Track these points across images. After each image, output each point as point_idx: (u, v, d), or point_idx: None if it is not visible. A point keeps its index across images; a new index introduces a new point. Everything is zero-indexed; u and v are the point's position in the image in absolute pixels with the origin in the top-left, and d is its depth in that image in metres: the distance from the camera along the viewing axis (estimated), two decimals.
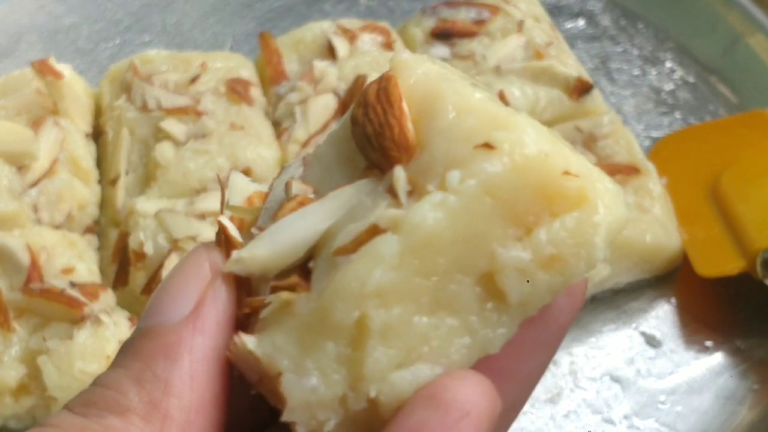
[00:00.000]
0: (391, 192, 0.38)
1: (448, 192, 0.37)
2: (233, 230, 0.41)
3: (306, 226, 0.39)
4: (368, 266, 0.36)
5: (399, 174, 0.38)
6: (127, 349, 0.39)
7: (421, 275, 0.37)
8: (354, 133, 0.40)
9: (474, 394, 0.36)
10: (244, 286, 0.40)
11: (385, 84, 0.39)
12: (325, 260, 0.38)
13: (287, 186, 0.41)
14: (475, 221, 0.37)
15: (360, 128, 0.39)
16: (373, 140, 0.39)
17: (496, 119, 0.37)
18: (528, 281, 0.37)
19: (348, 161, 0.40)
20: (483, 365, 0.38)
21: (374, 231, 0.37)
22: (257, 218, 0.41)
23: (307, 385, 0.37)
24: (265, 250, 0.39)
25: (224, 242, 0.41)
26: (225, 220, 0.41)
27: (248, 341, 0.38)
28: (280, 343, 0.38)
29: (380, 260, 0.36)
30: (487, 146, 0.36)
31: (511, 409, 0.43)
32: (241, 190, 0.42)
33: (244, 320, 0.40)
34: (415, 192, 0.38)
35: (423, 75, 0.40)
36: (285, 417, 0.37)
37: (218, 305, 0.39)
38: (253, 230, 0.41)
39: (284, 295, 0.38)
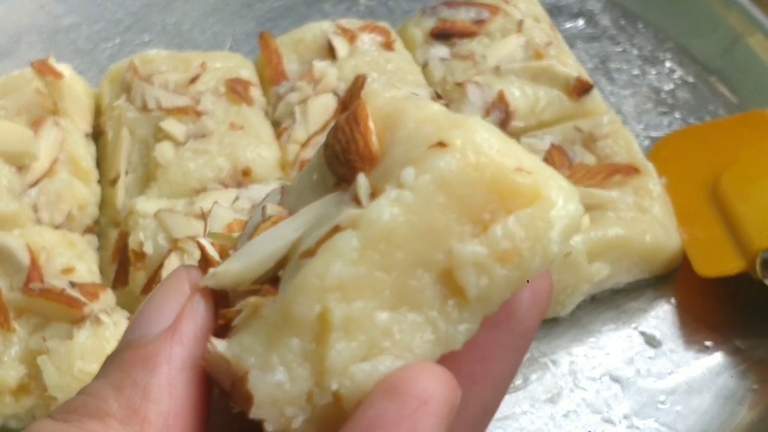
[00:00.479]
0: (356, 200, 0.39)
1: (403, 189, 0.38)
2: (210, 250, 0.43)
3: (275, 240, 0.40)
4: (327, 261, 0.37)
5: (361, 180, 0.39)
6: (110, 361, 0.41)
7: (381, 270, 0.38)
8: (325, 154, 0.41)
9: (432, 384, 0.37)
10: (222, 301, 0.42)
11: (354, 108, 0.41)
12: (292, 266, 0.39)
13: (263, 210, 0.43)
14: (430, 217, 0.38)
15: (329, 149, 0.41)
16: (340, 156, 0.40)
17: (450, 121, 0.39)
18: (485, 276, 0.38)
19: (320, 183, 0.42)
20: (452, 368, 0.39)
21: (335, 231, 0.38)
22: (236, 244, 0.43)
23: (272, 380, 0.38)
24: (237, 265, 0.41)
25: (203, 262, 0.43)
26: (203, 241, 0.43)
27: (218, 345, 0.40)
28: (247, 343, 0.39)
29: (339, 254, 0.37)
30: (441, 144, 0.38)
31: (483, 412, 0.44)
32: (221, 218, 0.45)
33: (220, 332, 0.41)
34: (376, 194, 0.39)
35: (389, 97, 0.42)
36: (252, 414, 0.38)
37: (196, 318, 0.41)
38: (231, 252, 0.43)
39: (253, 299, 0.39)
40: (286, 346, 0.38)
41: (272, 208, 0.43)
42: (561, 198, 0.39)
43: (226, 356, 0.39)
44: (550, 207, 0.39)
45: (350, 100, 0.96)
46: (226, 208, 0.45)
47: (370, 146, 0.40)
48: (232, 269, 0.41)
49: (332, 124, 0.95)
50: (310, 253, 0.38)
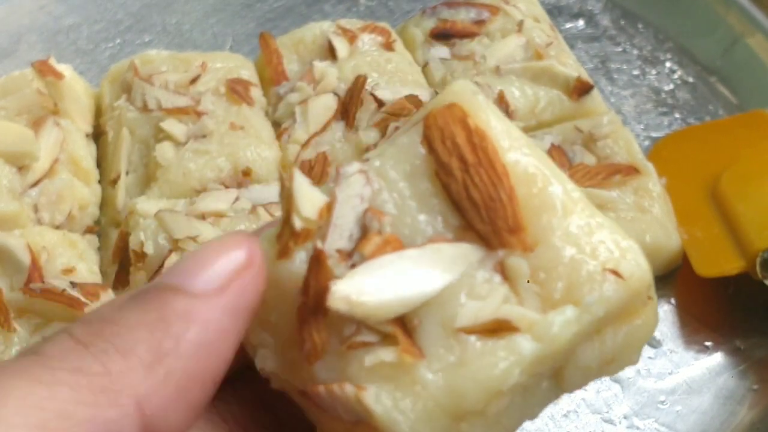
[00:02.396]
0: (504, 275, 0.40)
1: (581, 309, 0.40)
2: (333, 262, 0.41)
3: (416, 281, 0.40)
4: (511, 364, 0.39)
5: (522, 267, 0.40)
6: (143, 296, 0.39)
7: (531, 377, 0.41)
8: (448, 186, 0.41)
9: None
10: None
11: (479, 141, 0.41)
12: (438, 328, 0.40)
13: (365, 214, 0.41)
14: (586, 334, 0.41)
15: (460, 187, 0.41)
16: (482, 212, 0.40)
17: (615, 242, 0.41)
18: (583, 377, 0.43)
19: (434, 207, 0.41)
20: None
21: (507, 326, 0.40)
22: (324, 232, 0.41)
23: None
24: (373, 298, 0.39)
25: (314, 268, 0.40)
26: (322, 245, 0.41)
27: (366, 396, 0.39)
28: (403, 407, 0.39)
29: (521, 361, 0.39)
30: (616, 274, 0.40)
31: None
32: (312, 200, 0.42)
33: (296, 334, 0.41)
34: (541, 291, 0.40)
35: (513, 144, 0.42)
36: None
37: (245, 295, 0.40)
38: (325, 247, 0.41)
39: (398, 351, 0.39)
40: (438, 424, 0.39)
41: (377, 219, 0.41)
42: (654, 320, 0.44)
43: (370, 408, 0.39)
44: (651, 324, 0.44)
45: (350, 101, 0.96)
46: (309, 183, 0.42)
47: (520, 221, 0.40)
48: (370, 303, 0.39)
49: (332, 123, 0.96)
50: (470, 332, 0.39)
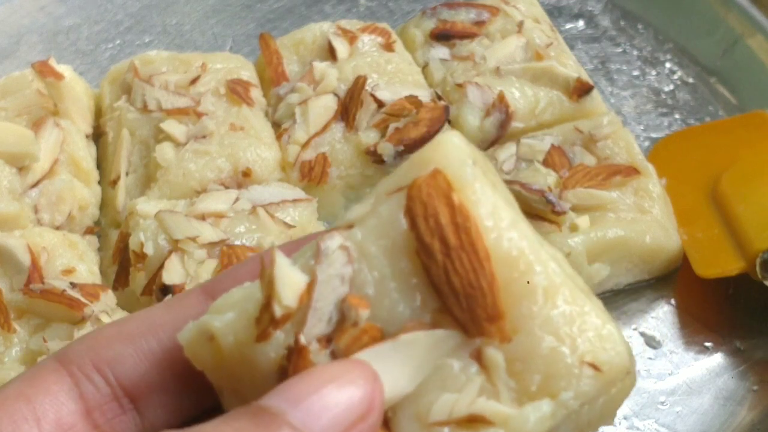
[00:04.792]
0: (481, 364, 0.40)
1: (557, 404, 0.41)
2: (314, 350, 0.41)
3: (391, 381, 0.40)
4: None
5: (498, 359, 0.40)
6: (253, 417, 0.38)
7: None
8: (428, 268, 0.41)
9: None
10: None
11: (463, 221, 0.41)
12: (413, 421, 0.40)
13: (344, 302, 0.41)
14: (561, 423, 0.42)
15: (441, 271, 0.41)
16: (462, 299, 0.40)
17: (595, 329, 0.42)
18: None
19: (413, 287, 0.41)
20: None
21: (482, 420, 0.40)
22: (303, 315, 0.41)
23: None
24: None
25: (295, 360, 0.41)
26: (302, 336, 0.41)
27: None
28: None
29: None
30: (594, 367, 0.41)
31: None
32: (292, 285, 0.41)
33: None
34: (517, 383, 0.41)
35: (498, 224, 0.42)
36: None
37: None
38: (304, 333, 0.41)
39: None
40: None
41: (356, 308, 0.41)
42: (631, 383, 0.45)
43: None
44: (625, 393, 0.44)
45: (350, 101, 0.96)
46: (289, 264, 0.42)
47: (499, 308, 0.40)
48: None
49: (332, 123, 0.96)
50: (444, 424, 0.40)
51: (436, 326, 0.41)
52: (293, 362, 0.40)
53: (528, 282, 0.41)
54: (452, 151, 0.42)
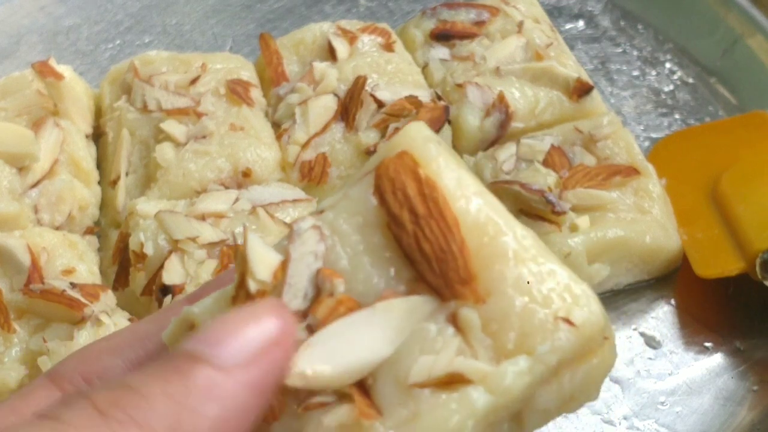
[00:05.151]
0: (456, 326, 0.41)
1: (534, 359, 0.41)
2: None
3: (369, 346, 0.40)
4: (463, 416, 0.40)
5: (474, 319, 0.41)
6: (167, 363, 0.38)
7: (488, 426, 0.42)
8: (399, 238, 0.42)
9: None
10: None
11: (430, 192, 0.42)
12: (392, 385, 0.41)
13: (319, 275, 0.42)
14: (539, 381, 0.42)
15: (411, 239, 0.42)
16: (434, 264, 0.41)
17: (567, 288, 0.42)
18: (544, 418, 0.44)
19: (386, 260, 0.42)
20: None
21: (460, 379, 0.40)
22: (279, 291, 0.42)
23: None
24: (328, 370, 0.40)
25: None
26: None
27: None
28: None
29: (474, 413, 0.40)
30: (568, 322, 0.41)
31: None
32: (266, 261, 0.42)
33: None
34: (493, 342, 0.41)
35: (465, 192, 0.42)
36: None
37: (273, 372, 0.39)
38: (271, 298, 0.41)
39: (354, 411, 0.40)
40: None
41: (330, 279, 0.41)
42: (612, 356, 0.45)
43: None
44: (608, 361, 0.45)
45: (350, 101, 0.96)
46: (262, 243, 0.43)
47: (471, 271, 0.41)
48: (325, 374, 0.40)
49: (332, 124, 0.96)
50: (424, 386, 0.40)
51: (411, 294, 0.42)
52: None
53: (498, 245, 0.42)
54: (416, 134, 0.44)
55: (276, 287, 0.42)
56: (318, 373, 0.40)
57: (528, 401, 0.43)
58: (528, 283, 0.42)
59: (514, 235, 0.42)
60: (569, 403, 0.45)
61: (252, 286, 0.41)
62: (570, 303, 0.42)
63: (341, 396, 0.40)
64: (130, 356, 0.46)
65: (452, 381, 0.40)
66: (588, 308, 0.42)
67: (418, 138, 0.44)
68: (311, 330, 0.41)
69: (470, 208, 0.42)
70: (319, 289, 0.42)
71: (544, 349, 0.41)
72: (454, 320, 0.41)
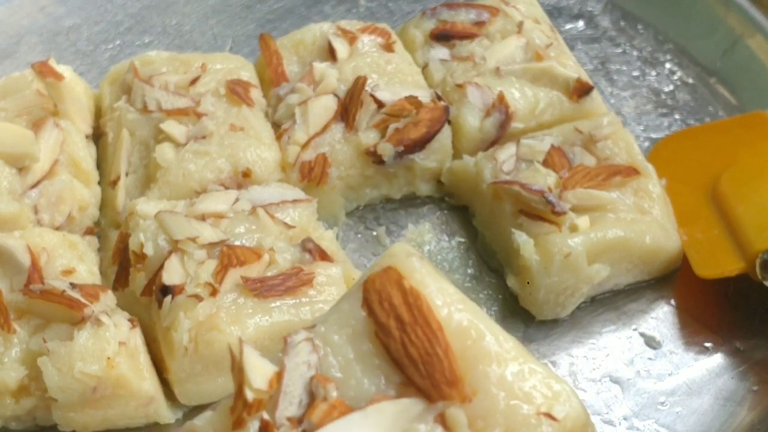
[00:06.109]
0: (445, 425, 0.44)
1: None
2: (285, 429, 0.44)
3: None
4: None
5: (460, 418, 0.44)
6: None
7: None
8: (387, 345, 0.45)
9: None
10: None
11: (414, 300, 0.45)
12: None
13: (312, 382, 0.45)
14: None
15: (399, 345, 0.45)
16: (421, 367, 0.44)
17: (548, 386, 0.46)
18: None
19: (376, 366, 0.45)
20: None
21: None
22: (275, 400, 0.44)
23: None
24: None
25: None
26: (269, 416, 0.44)
27: None
28: None
29: None
30: (551, 417, 0.44)
31: None
32: (261, 371, 0.45)
33: None
34: None
35: (447, 300, 0.46)
36: None
37: None
38: (276, 415, 0.43)
39: None
40: None
41: (323, 386, 0.44)
42: None
43: None
44: None
45: (350, 102, 0.96)
46: (258, 355, 0.45)
47: (457, 373, 0.44)
48: None
49: (332, 124, 0.96)
50: None
51: (400, 397, 0.44)
52: None
53: (481, 347, 0.45)
54: (400, 251, 0.48)
55: (272, 396, 0.45)
56: None
57: None
58: (511, 381, 0.45)
59: (495, 338, 0.46)
60: None
61: (249, 395, 0.44)
62: (551, 399, 0.45)
63: None
64: None
65: None
66: (569, 404, 0.46)
67: (402, 254, 0.47)
68: None
69: (453, 314, 0.46)
70: (313, 396, 0.45)
71: None
72: (442, 420, 0.44)
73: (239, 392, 0.44)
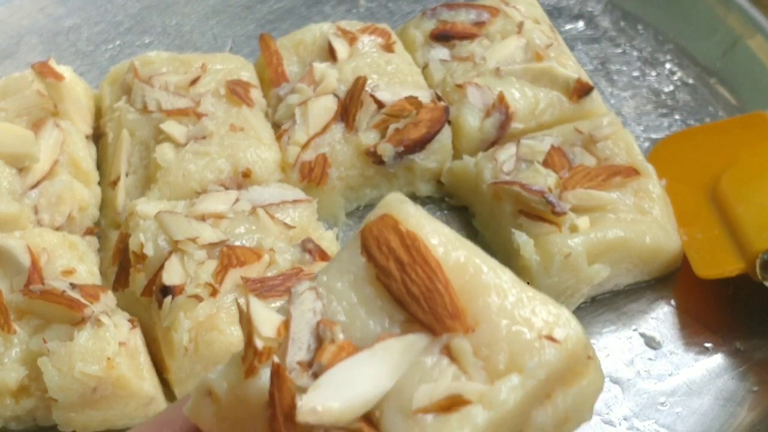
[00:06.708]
0: (451, 356, 0.45)
1: (525, 375, 0.45)
2: (296, 379, 0.45)
3: (372, 381, 0.45)
4: None
5: (465, 347, 0.45)
6: None
7: None
8: (389, 286, 0.47)
9: None
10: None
11: (411, 242, 0.47)
12: (398, 415, 0.44)
13: (319, 326, 0.46)
14: (534, 398, 0.46)
15: (400, 285, 0.47)
16: (423, 303, 0.46)
17: (547, 310, 0.47)
18: None
19: (379, 308, 0.47)
20: None
21: (459, 401, 0.44)
22: (284, 347, 0.46)
23: None
24: (337, 404, 0.44)
25: (275, 381, 0.45)
26: (280, 360, 0.45)
27: None
28: None
29: (476, 428, 0.44)
30: (552, 339, 0.46)
31: None
32: (269, 321, 0.47)
33: None
34: (486, 365, 0.45)
35: (443, 240, 0.48)
36: None
37: None
38: (286, 360, 0.45)
39: None
40: None
41: (330, 328, 0.46)
42: (600, 377, 0.50)
43: None
44: (598, 382, 0.49)
45: (350, 102, 0.97)
46: (264, 306, 0.47)
47: (458, 305, 0.46)
48: (334, 409, 0.44)
49: (332, 124, 0.96)
50: (428, 411, 0.44)
51: (405, 334, 0.46)
52: (275, 385, 0.45)
53: (479, 280, 0.47)
54: (394, 199, 0.49)
55: (281, 344, 0.46)
56: (327, 408, 0.43)
57: (526, 422, 0.47)
58: (511, 309, 0.46)
59: (492, 270, 0.48)
60: (565, 424, 0.49)
61: (259, 343, 0.46)
62: (551, 322, 0.47)
63: None
64: None
65: (452, 403, 0.44)
66: (568, 326, 0.47)
67: (396, 201, 0.49)
68: (317, 376, 0.45)
69: (450, 252, 0.48)
70: (320, 340, 0.46)
71: (532, 365, 0.45)
72: (447, 351, 0.46)
73: (249, 342, 0.46)
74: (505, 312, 0.47)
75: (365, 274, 0.48)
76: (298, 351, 0.46)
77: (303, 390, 0.44)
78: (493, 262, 0.48)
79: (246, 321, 0.47)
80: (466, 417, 0.44)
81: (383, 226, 0.48)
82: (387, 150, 0.95)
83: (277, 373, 0.45)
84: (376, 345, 0.46)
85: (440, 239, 0.48)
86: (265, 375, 0.46)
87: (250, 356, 0.46)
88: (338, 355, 0.45)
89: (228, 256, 0.82)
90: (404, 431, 0.44)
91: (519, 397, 0.45)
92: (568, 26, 1.21)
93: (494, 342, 0.46)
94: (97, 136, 1.03)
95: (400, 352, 0.45)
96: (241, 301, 0.48)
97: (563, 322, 0.47)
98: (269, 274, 0.83)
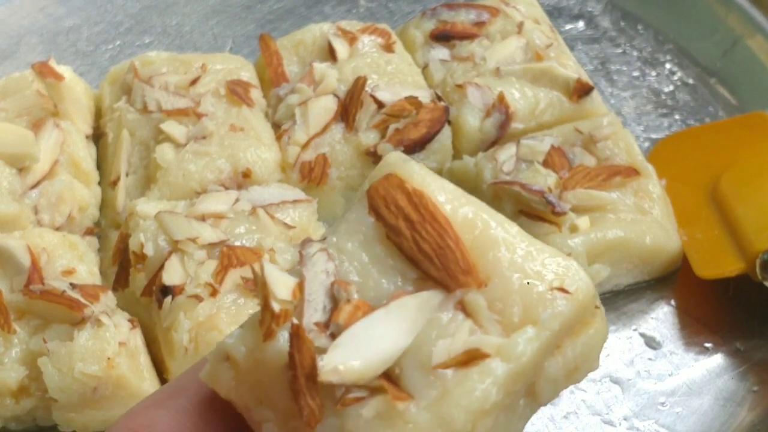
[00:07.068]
0: (465, 311, 0.46)
1: (539, 327, 0.46)
2: (314, 335, 0.45)
3: (390, 339, 0.45)
4: (487, 385, 0.44)
5: (479, 301, 0.46)
6: None
7: (508, 395, 0.45)
8: (400, 244, 0.47)
9: None
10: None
11: (419, 200, 0.47)
12: (418, 370, 0.45)
13: (333, 287, 0.47)
14: (547, 348, 0.47)
15: (411, 243, 0.47)
16: (435, 260, 0.46)
17: (557, 263, 0.48)
18: (555, 387, 0.48)
19: (391, 267, 0.47)
20: None
21: (477, 354, 0.45)
22: (300, 309, 0.46)
23: None
24: (358, 363, 0.44)
25: (295, 342, 0.45)
26: (298, 321, 0.45)
27: None
28: None
29: (495, 381, 0.45)
30: (563, 290, 0.46)
31: None
32: (283, 283, 0.47)
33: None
34: (501, 318, 0.46)
35: (449, 197, 0.48)
36: None
37: None
38: (303, 322, 0.45)
39: (388, 399, 0.44)
40: None
41: (344, 288, 0.46)
42: (605, 325, 0.50)
43: None
44: (603, 332, 0.50)
45: (350, 102, 0.97)
46: (279, 270, 0.47)
47: (469, 260, 0.46)
48: (355, 368, 0.44)
49: (332, 124, 0.96)
50: (447, 366, 0.45)
51: (419, 291, 0.46)
52: (294, 346, 0.44)
53: (488, 235, 0.47)
54: (396, 158, 0.49)
55: (297, 306, 0.46)
56: (348, 367, 0.44)
57: (539, 373, 0.47)
58: (521, 263, 0.47)
59: (500, 225, 0.48)
60: (574, 373, 0.49)
61: (276, 306, 0.46)
62: (562, 274, 0.47)
63: (373, 390, 0.44)
64: (174, 406, 0.50)
65: (471, 357, 0.45)
66: (578, 276, 0.47)
67: (398, 160, 0.49)
68: (335, 337, 0.45)
69: (457, 208, 0.48)
70: (335, 300, 0.46)
71: (546, 317, 0.46)
72: (462, 306, 0.46)
73: (265, 305, 0.46)
74: (515, 266, 0.47)
75: (375, 234, 0.48)
76: (314, 312, 0.46)
77: (322, 350, 0.44)
78: (500, 217, 0.49)
79: (261, 284, 0.47)
80: (486, 370, 0.45)
81: (389, 185, 0.48)
82: (387, 150, 0.95)
83: (297, 334, 0.45)
84: (392, 303, 0.46)
85: (447, 196, 0.48)
86: (283, 337, 0.46)
87: (267, 319, 0.46)
88: (354, 314, 0.45)
89: (228, 256, 0.82)
90: (425, 387, 0.44)
91: (535, 348, 0.45)
92: (568, 26, 1.21)
93: (507, 296, 0.46)
94: (97, 136, 1.03)
95: (415, 309, 0.46)
96: (255, 266, 0.47)
97: (573, 274, 0.48)
98: None
